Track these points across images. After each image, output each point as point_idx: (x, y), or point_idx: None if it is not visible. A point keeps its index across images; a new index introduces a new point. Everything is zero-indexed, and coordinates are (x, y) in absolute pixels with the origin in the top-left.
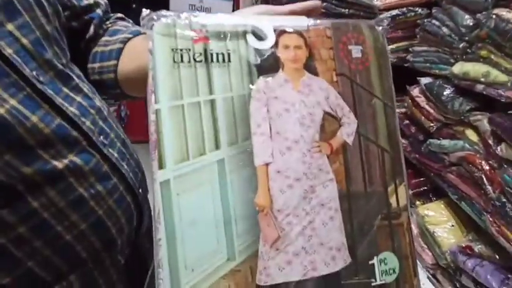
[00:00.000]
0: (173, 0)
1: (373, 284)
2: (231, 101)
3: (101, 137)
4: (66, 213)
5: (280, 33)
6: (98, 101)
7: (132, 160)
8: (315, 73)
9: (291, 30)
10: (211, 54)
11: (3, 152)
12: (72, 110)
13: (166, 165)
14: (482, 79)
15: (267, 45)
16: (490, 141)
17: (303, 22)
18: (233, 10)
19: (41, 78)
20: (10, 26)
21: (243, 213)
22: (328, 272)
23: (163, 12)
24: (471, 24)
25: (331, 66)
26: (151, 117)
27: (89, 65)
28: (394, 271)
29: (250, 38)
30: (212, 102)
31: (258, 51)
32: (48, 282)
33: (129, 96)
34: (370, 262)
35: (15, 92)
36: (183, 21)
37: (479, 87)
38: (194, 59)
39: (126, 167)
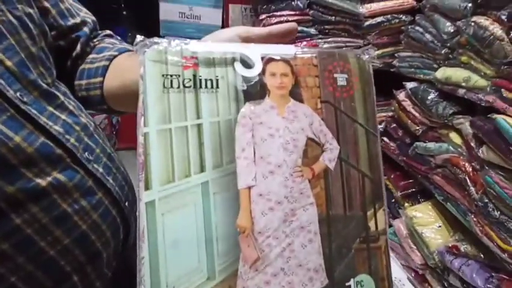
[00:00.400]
0: (163, 8)
1: None
2: (217, 125)
3: (86, 153)
4: (49, 229)
5: (267, 60)
6: (84, 118)
7: (118, 174)
8: (300, 100)
9: (278, 58)
10: (200, 80)
11: None
12: (56, 128)
13: (152, 187)
14: (464, 84)
15: (254, 73)
16: (472, 144)
17: (291, 50)
18: (222, 18)
19: (25, 99)
20: None
21: (225, 234)
22: None
23: (156, 39)
24: (452, 31)
25: (316, 94)
26: (140, 139)
27: (76, 82)
28: None
29: (238, 65)
30: (199, 127)
31: (245, 78)
32: None
33: (116, 112)
34: (347, 284)
35: None
36: (174, 48)
37: (461, 92)
38: (183, 85)
39: (111, 181)
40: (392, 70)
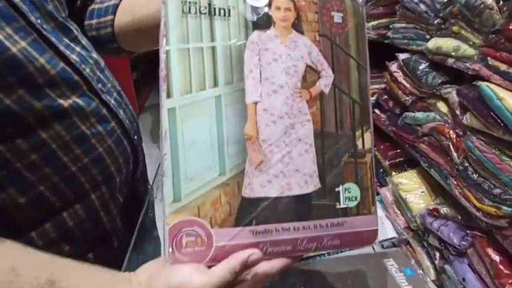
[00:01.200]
0: None
1: (337, 207)
2: (229, 48)
3: (99, 84)
4: (71, 147)
5: None
6: (95, 54)
7: (127, 110)
8: (300, 32)
9: None
10: (215, 9)
11: (16, 87)
12: (73, 57)
13: (173, 95)
14: (453, 53)
15: (261, 3)
16: (457, 112)
17: None
18: None
19: (45, 26)
20: None
21: (234, 140)
22: (301, 192)
23: None
24: (445, 0)
25: (315, 28)
26: (162, 56)
27: (86, 22)
28: (355, 198)
29: None
30: (213, 49)
31: (254, 10)
32: (57, 207)
33: (125, 51)
34: (336, 189)
35: (24, 36)
36: None
37: (450, 61)
38: (200, 11)
39: (122, 114)
40: (386, 42)
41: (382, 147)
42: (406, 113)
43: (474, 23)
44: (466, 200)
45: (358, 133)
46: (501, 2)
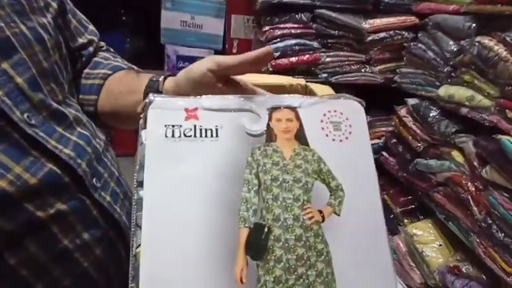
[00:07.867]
0: (164, 16)
1: None
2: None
3: (94, 179)
4: (48, 268)
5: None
6: (98, 138)
7: (125, 200)
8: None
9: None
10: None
11: None
12: (67, 152)
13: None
14: (467, 103)
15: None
16: (475, 163)
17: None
18: (224, 28)
19: (33, 121)
20: (5, 65)
21: None
22: None
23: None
24: (455, 49)
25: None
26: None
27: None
28: None
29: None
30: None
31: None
32: None
33: (107, 126)
34: None
35: None
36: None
37: (464, 111)
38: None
39: (119, 210)
40: (393, 86)
41: (391, 192)
42: (418, 160)
43: (488, 73)
44: (493, 262)
45: None
46: None
